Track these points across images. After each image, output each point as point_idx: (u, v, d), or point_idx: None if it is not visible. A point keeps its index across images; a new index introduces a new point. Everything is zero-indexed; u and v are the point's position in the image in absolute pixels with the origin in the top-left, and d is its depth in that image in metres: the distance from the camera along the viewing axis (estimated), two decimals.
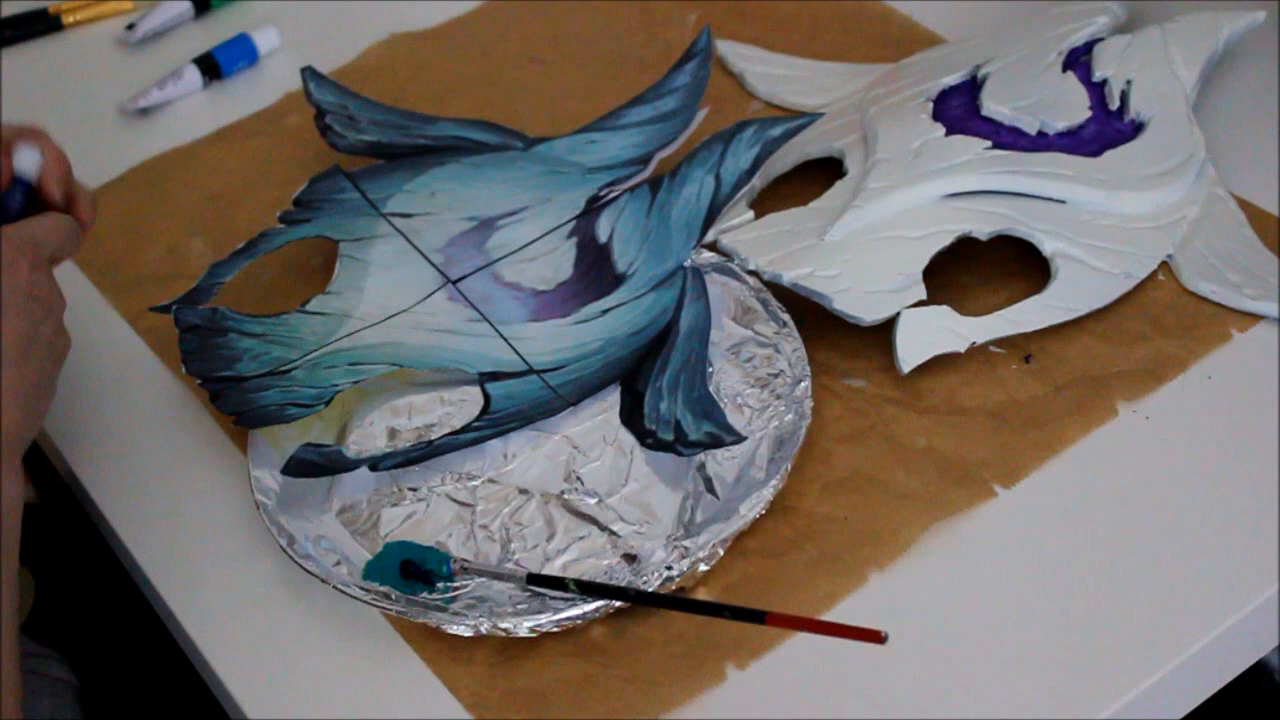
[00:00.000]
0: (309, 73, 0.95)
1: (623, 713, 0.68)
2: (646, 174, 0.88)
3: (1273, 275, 0.81)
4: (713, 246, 0.84)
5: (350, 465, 0.76)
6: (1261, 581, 0.70)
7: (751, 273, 0.82)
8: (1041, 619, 0.69)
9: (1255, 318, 0.80)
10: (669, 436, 0.75)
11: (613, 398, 0.79)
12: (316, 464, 0.75)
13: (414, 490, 0.76)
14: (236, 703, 0.70)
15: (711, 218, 0.84)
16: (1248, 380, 0.77)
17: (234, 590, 0.74)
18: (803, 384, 0.77)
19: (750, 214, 0.85)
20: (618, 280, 0.83)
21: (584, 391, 0.78)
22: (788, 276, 0.80)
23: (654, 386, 0.78)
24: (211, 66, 1.02)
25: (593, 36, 1.03)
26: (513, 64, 1.02)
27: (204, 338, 0.81)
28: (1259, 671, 0.85)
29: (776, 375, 0.78)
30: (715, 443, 0.75)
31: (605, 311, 0.82)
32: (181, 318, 0.82)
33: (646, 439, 0.76)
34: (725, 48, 0.99)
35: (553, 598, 0.70)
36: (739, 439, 0.75)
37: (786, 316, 0.80)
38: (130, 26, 1.06)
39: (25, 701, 0.67)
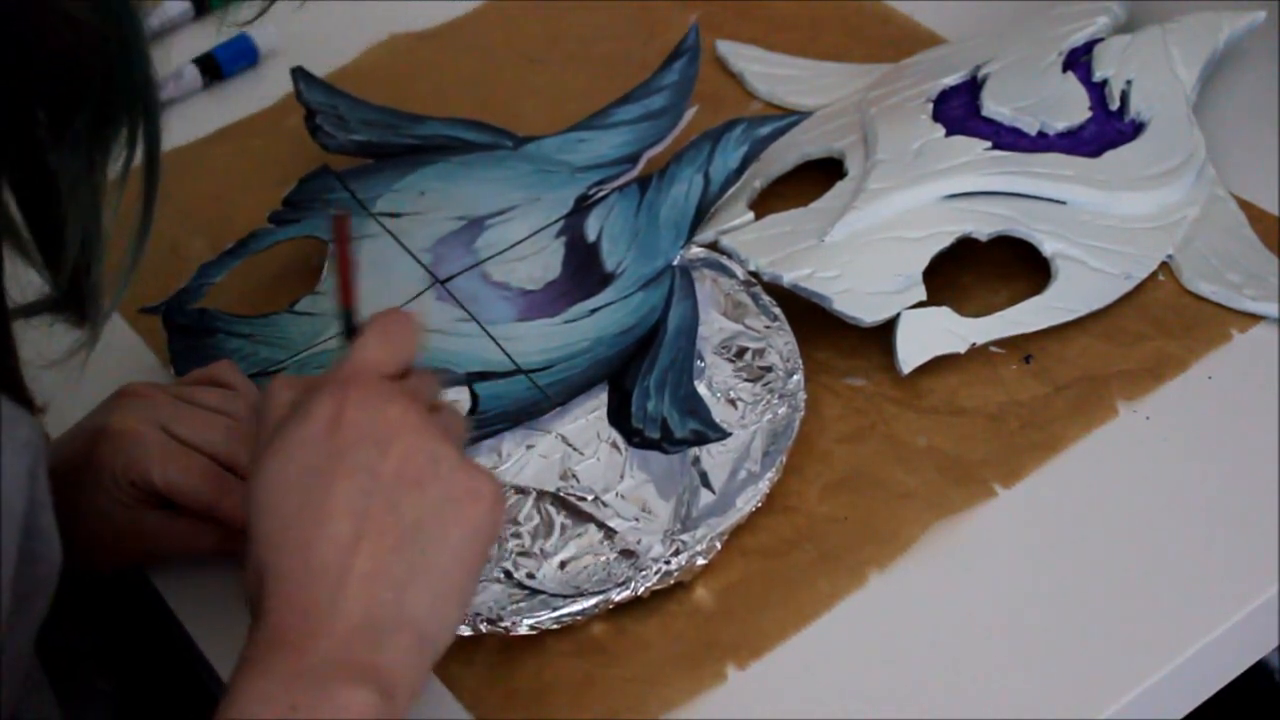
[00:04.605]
0: (299, 73, 0.95)
1: (623, 713, 0.67)
2: (635, 173, 0.87)
3: (1273, 275, 0.81)
4: (713, 247, 0.84)
5: None
6: (1261, 581, 0.70)
7: (752, 273, 0.82)
8: (1042, 619, 0.69)
9: (1255, 318, 0.80)
10: (656, 435, 0.75)
11: (605, 395, 0.78)
12: None
13: None
14: None
15: (700, 217, 0.84)
16: (1248, 380, 0.77)
17: (234, 590, 0.74)
18: (795, 377, 0.77)
19: (750, 214, 0.85)
20: (606, 280, 0.83)
21: (571, 391, 0.78)
22: (788, 278, 0.80)
23: (641, 385, 0.77)
24: (211, 66, 1.02)
25: (592, 37, 1.03)
26: (512, 64, 1.02)
27: (192, 339, 0.81)
28: (1259, 671, 0.84)
29: (769, 369, 0.78)
30: (700, 440, 0.75)
31: (594, 311, 0.82)
32: (170, 319, 0.82)
33: (634, 437, 0.76)
34: (725, 48, 0.99)
35: (551, 595, 0.70)
36: (723, 435, 0.75)
37: (778, 310, 0.80)
38: None
39: (72, 713, 0.66)
